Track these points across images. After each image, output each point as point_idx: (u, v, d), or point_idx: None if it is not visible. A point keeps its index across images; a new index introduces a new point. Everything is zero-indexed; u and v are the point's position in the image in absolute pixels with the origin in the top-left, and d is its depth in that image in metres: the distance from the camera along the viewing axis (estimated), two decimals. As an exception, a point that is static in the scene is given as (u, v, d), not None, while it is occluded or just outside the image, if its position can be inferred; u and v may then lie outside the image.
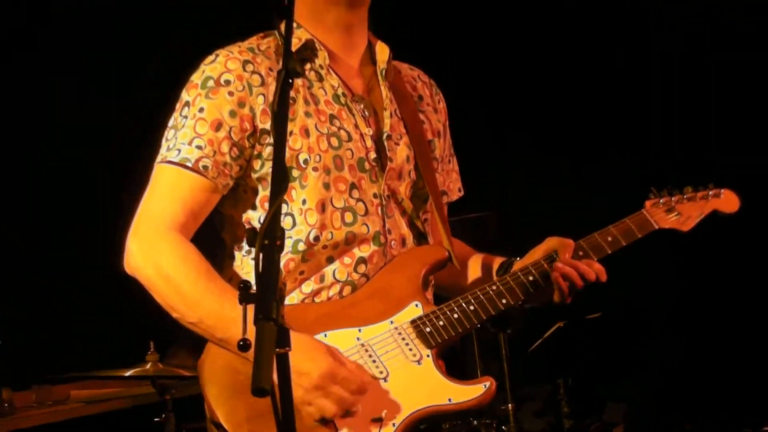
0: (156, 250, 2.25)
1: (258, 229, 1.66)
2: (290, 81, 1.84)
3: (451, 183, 2.68)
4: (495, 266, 2.59)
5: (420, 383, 2.28)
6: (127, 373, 3.82)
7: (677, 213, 2.64)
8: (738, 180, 2.78)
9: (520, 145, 5.13)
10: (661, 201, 2.64)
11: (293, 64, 1.85)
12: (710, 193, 2.69)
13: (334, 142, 2.36)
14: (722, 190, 2.69)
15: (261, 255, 1.63)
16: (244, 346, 1.61)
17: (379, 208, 2.39)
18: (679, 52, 4.93)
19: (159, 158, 2.32)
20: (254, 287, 1.63)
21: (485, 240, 2.86)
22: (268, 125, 2.31)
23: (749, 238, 4.54)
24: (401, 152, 2.45)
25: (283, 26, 2.00)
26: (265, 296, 1.60)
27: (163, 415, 3.84)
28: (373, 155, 2.40)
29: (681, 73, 4.93)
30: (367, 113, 2.44)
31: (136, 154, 2.80)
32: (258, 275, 1.62)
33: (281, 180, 1.75)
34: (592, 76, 5.04)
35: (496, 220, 4.27)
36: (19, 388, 4.17)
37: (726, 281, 4.80)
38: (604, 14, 5.00)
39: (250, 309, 1.62)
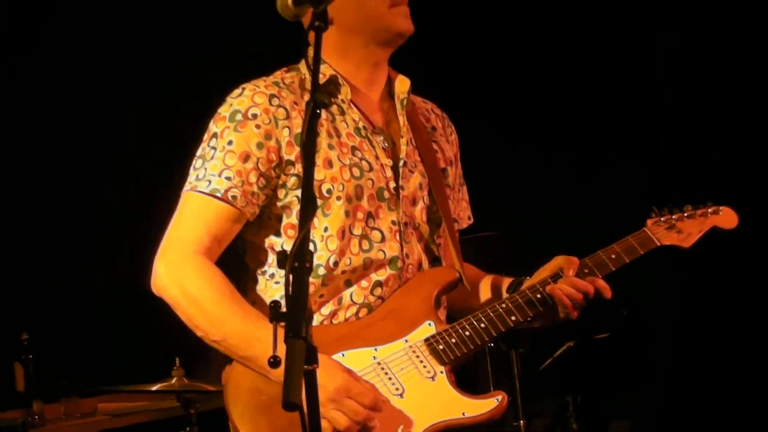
0: (182, 272, 2.31)
1: (288, 252, 1.71)
2: (318, 112, 1.89)
3: (461, 211, 2.74)
4: (505, 286, 2.63)
5: (434, 398, 2.33)
6: (154, 388, 3.85)
7: (678, 230, 2.66)
8: (742, 190, 2.81)
9: (527, 165, 5.13)
10: (662, 219, 2.67)
11: (321, 96, 1.88)
12: (709, 210, 2.71)
13: (356, 172, 2.42)
14: (721, 208, 2.72)
15: (291, 276, 1.69)
16: (274, 362, 1.66)
17: (398, 235, 2.45)
18: (685, 68, 4.93)
19: (188, 187, 2.38)
20: (284, 307, 1.67)
21: (492, 259, 2.93)
22: (292, 156, 2.36)
23: (753, 253, 4.54)
24: (415, 179, 2.51)
25: (309, 59, 2.07)
26: (295, 315, 1.65)
27: (188, 428, 3.88)
28: (392, 184, 2.47)
29: (687, 91, 4.92)
30: (386, 145, 2.50)
31: (163, 173, 2.88)
32: (288, 296, 1.68)
33: (310, 205, 1.80)
34: (598, 97, 5.04)
35: (502, 239, 4.27)
36: (49, 401, 4.20)
37: (730, 297, 4.78)
38: (610, 34, 5.02)
39: (280, 328, 1.66)
